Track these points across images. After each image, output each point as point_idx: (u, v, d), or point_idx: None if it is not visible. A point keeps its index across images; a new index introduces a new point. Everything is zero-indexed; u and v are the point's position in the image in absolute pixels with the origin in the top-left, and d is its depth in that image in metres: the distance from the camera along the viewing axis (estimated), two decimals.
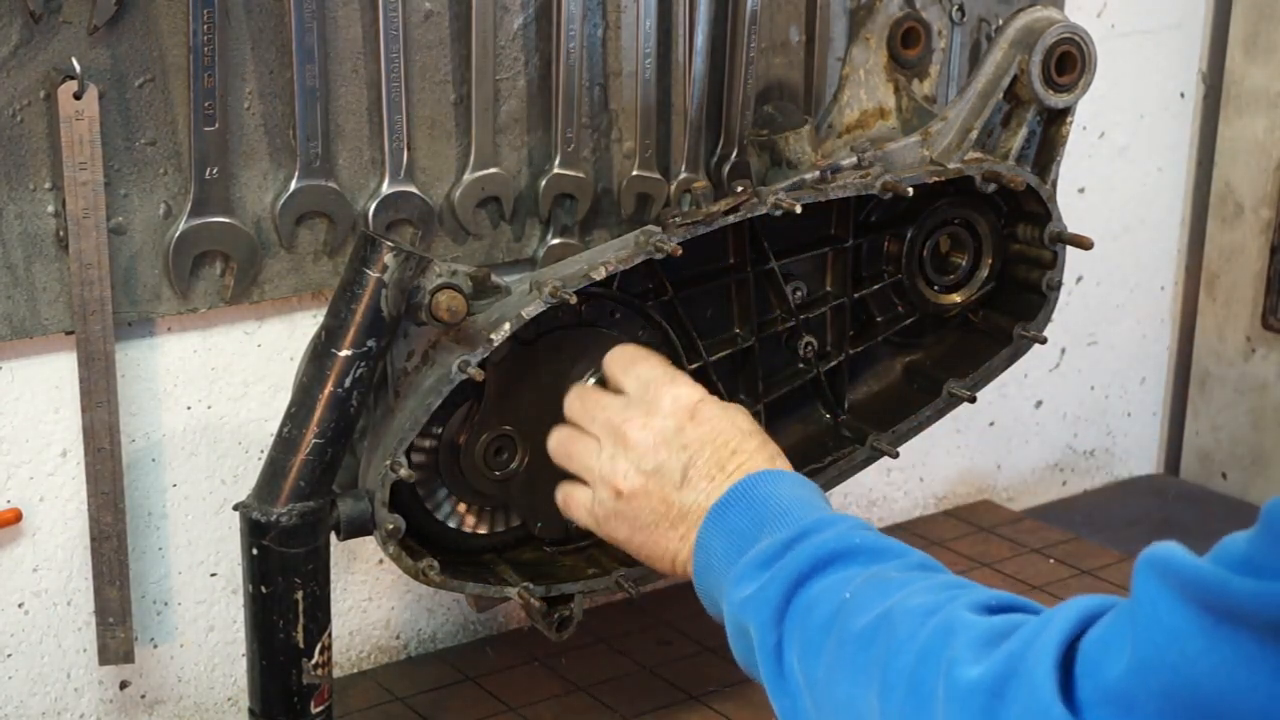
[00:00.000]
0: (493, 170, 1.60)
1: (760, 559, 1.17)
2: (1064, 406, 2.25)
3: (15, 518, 1.46)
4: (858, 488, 2.05)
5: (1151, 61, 2.18)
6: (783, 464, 1.29)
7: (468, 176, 1.59)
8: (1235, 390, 2.26)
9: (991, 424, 2.18)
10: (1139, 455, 2.36)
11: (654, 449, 1.29)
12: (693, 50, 1.66)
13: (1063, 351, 2.21)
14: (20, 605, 1.50)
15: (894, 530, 2.09)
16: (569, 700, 1.65)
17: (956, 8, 1.88)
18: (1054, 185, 1.59)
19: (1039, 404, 2.22)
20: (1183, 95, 2.23)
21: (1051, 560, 2.00)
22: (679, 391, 1.32)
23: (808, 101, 1.79)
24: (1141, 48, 2.16)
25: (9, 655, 1.51)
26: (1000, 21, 1.63)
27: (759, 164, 1.64)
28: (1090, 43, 1.57)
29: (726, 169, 1.72)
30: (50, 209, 1.40)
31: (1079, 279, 2.17)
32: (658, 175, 1.69)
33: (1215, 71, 2.23)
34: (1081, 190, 2.15)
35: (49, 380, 1.46)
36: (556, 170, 1.63)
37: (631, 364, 1.37)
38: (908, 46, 1.64)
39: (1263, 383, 2.22)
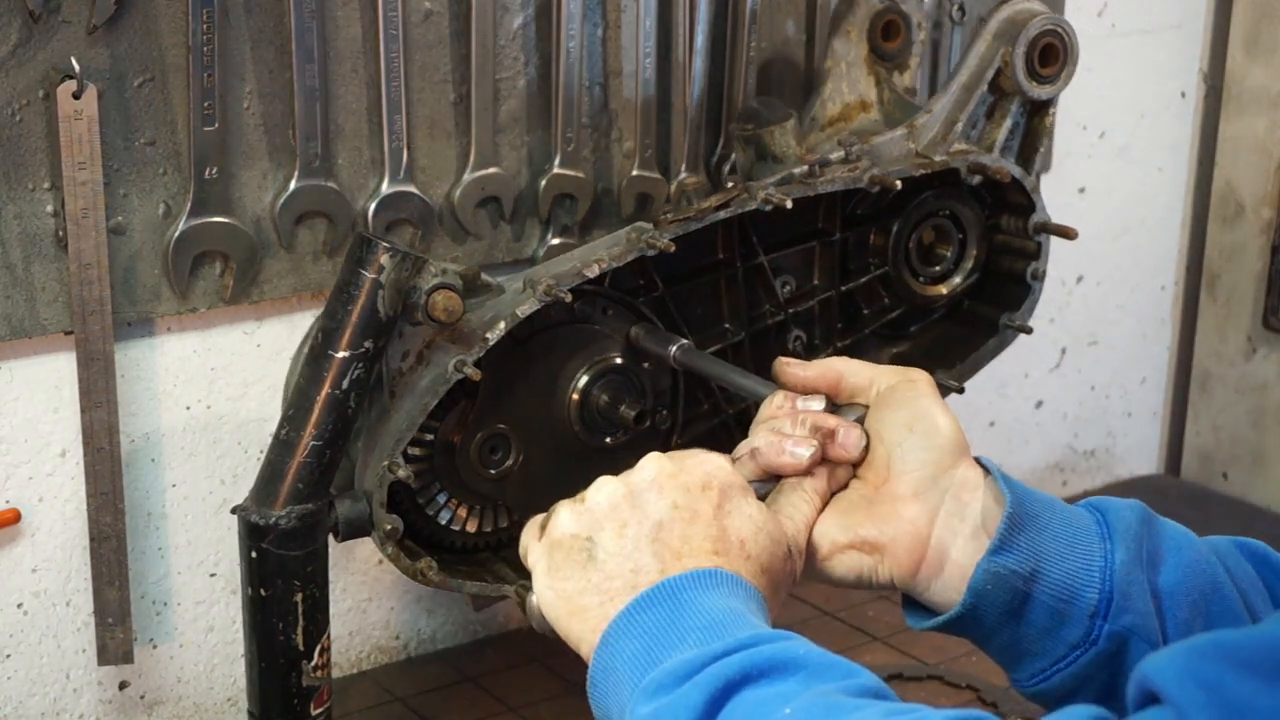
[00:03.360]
0: (493, 170, 1.60)
1: (682, 669, 0.95)
2: (1064, 406, 2.24)
3: (14, 518, 1.46)
4: None
5: (1152, 61, 2.18)
6: (725, 560, 1.04)
7: (468, 176, 1.59)
8: (1236, 390, 2.25)
9: (991, 424, 2.17)
10: (1139, 455, 2.35)
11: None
12: (693, 50, 1.66)
13: (1063, 351, 2.21)
14: (19, 606, 1.50)
15: None
16: (569, 700, 1.65)
17: (957, 7, 1.87)
18: (1038, 176, 1.61)
19: (1039, 404, 2.22)
20: (1183, 95, 2.23)
21: None
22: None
23: (807, 101, 1.78)
24: (1142, 47, 2.16)
25: (8, 656, 1.51)
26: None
27: (744, 158, 1.64)
28: (1072, 34, 1.58)
29: (726, 169, 1.71)
30: (49, 209, 1.39)
31: (1079, 279, 2.17)
32: (658, 175, 1.69)
33: (1216, 71, 2.23)
34: (1081, 190, 2.14)
35: (48, 380, 1.46)
36: (556, 170, 1.63)
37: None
38: (888, 39, 1.65)
39: (1263, 383, 2.22)
